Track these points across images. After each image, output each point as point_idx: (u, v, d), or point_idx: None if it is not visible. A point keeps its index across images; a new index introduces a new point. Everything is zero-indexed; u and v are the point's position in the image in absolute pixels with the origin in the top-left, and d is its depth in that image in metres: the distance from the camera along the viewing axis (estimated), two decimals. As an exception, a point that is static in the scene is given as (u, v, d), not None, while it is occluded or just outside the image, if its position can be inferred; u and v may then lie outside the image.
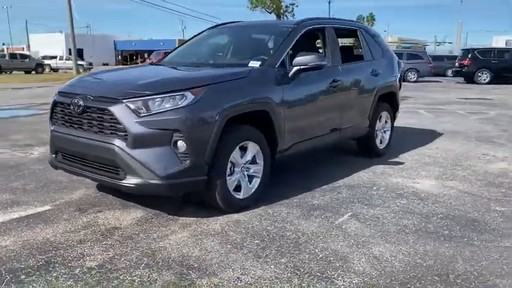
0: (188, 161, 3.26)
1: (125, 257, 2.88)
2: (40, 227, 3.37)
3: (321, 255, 2.91)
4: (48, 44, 63.25)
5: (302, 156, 5.48)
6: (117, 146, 3.26)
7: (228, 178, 3.55)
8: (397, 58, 6.19)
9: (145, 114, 3.22)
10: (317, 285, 2.55)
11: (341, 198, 4.07)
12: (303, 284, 2.55)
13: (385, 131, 5.81)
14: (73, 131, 3.60)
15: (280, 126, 3.93)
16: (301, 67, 4.07)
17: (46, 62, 39.85)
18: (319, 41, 5.28)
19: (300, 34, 4.45)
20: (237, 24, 5.32)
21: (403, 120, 9.20)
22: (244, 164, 3.72)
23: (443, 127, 8.26)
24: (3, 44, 69.40)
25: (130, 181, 3.27)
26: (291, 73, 4.06)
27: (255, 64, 4.04)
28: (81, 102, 3.45)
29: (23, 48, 64.91)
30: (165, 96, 3.26)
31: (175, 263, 2.78)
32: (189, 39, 5.36)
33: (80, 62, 36.50)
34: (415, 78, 23.24)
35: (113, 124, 3.29)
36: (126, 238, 3.17)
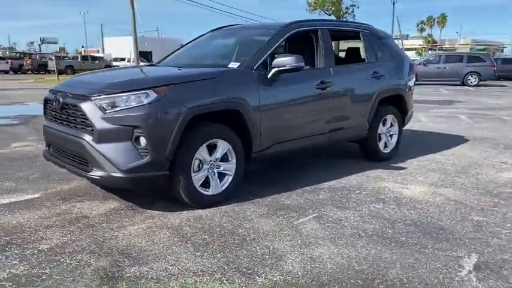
0: (148, 156, 3.43)
1: (77, 242, 3.10)
2: (21, 212, 3.70)
3: (259, 253, 2.96)
4: (120, 47, 66.78)
5: (299, 156, 5.52)
6: (85, 140, 3.50)
7: (193, 174, 3.68)
8: (410, 61, 6.01)
9: (111, 111, 3.43)
10: (236, 280, 2.61)
11: (316, 200, 4.06)
12: (223, 278, 2.62)
13: (391, 135, 5.66)
14: (57, 125, 3.91)
15: (255, 127, 4.00)
16: (280, 68, 4.12)
17: (115, 63, 42.28)
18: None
19: (284, 37, 4.50)
20: (234, 27, 5.45)
21: (434, 125, 8.87)
22: (214, 161, 3.83)
23: (475, 133, 7.83)
24: (82, 47, 74.60)
25: (95, 173, 3.50)
26: (269, 74, 4.12)
27: (234, 65, 4.15)
28: (61, 99, 3.75)
29: (98, 50, 69.19)
30: (130, 94, 3.46)
31: (117, 252, 2.96)
32: (191, 41, 5.56)
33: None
34: (475, 82, 21.99)
35: (83, 120, 3.54)
36: (88, 226, 3.40)
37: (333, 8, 39.00)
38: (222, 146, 3.85)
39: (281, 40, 4.45)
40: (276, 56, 4.19)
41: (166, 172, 3.53)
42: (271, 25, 4.74)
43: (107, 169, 3.44)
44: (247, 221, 3.52)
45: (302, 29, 4.73)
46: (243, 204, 3.92)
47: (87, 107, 3.50)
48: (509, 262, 2.87)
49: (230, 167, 3.95)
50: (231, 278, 2.63)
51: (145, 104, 3.43)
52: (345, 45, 5.84)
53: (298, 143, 4.54)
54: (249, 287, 2.53)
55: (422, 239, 3.23)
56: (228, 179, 3.95)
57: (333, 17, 38.37)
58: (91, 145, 3.47)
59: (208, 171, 3.81)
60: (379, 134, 5.49)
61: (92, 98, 3.50)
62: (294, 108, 4.42)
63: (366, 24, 5.65)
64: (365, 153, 5.56)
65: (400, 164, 5.44)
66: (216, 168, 3.87)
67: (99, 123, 3.43)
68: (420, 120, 9.44)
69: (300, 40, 5.02)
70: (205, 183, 3.82)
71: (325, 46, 4.81)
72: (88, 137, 3.50)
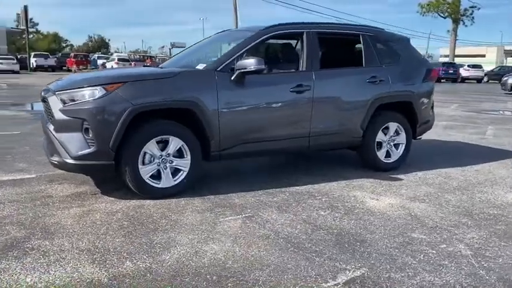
0: (94, 146, 3.80)
1: (19, 216, 3.57)
2: (7, 188, 4.32)
3: (154, 242, 3.13)
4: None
5: (298, 157, 5.50)
6: (49, 129, 4.00)
7: (141, 166, 3.96)
8: (428, 66, 5.60)
9: (68, 104, 3.87)
10: (108, 262, 2.82)
11: (266, 201, 4.07)
12: (97, 258, 2.85)
13: (395, 145, 5.34)
14: (44, 117, 4.49)
15: (212, 126, 4.15)
16: (242, 70, 4.21)
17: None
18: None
19: (258, 40, 4.56)
20: (230, 30, 5.62)
21: (495, 139, 8.00)
22: (166, 156, 4.07)
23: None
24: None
25: (54, 159, 3.98)
26: (233, 76, 4.24)
27: (200, 67, 4.35)
28: (42, 94, 4.31)
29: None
30: (84, 90, 3.87)
31: (40, 227, 3.35)
32: (194, 44, 5.85)
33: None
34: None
35: (50, 112, 4.04)
36: (42, 204, 3.87)
37: (449, 10, 36.35)
38: (174, 143, 4.07)
39: (253, 43, 4.52)
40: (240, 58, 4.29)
41: (111, 162, 3.86)
42: (252, 28, 4.82)
43: (62, 155, 3.89)
44: (177, 214, 3.70)
45: (283, 31, 4.74)
46: (193, 199, 4.09)
47: (52, 100, 3.99)
48: (394, 280, 2.66)
49: (185, 163, 4.15)
50: (105, 260, 2.84)
51: (93, 99, 3.80)
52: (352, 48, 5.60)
53: (269, 145, 4.57)
54: (113, 268, 2.73)
55: (329, 248, 3.11)
56: (182, 175, 4.16)
57: (448, 20, 35.82)
58: (52, 133, 3.95)
59: (159, 165, 4.06)
60: (379, 142, 5.22)
61: (56, 93, 3.98)
62: (261, 110, 4.46)
63: (371, 27, 5.41)
64: (363, 161, 5.33)
65: (401, 175, 5.11)
66: (169, 163, 4.10)
67: (58, 115, 3.89)
68: (484, 133, 8.59)
69: (283, 43, 5.02)
70: (158, 176, 4.08)
71: (308, 49, 4.75)
72: (51, 127, 3.99)
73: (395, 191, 4.54)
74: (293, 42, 5.39)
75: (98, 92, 3.82)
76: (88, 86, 3.89)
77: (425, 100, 5.50)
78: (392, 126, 5.27)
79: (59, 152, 3.91)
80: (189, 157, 4.15)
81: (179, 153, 4.14)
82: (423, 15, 37.31)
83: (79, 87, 3.92)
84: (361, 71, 5.10)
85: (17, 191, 4.24)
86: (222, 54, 4.43)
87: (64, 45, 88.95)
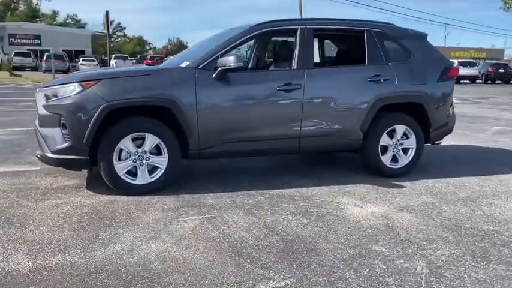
0: (69, 141, 3.91)
1: (-7, 205, 3.78)
2: (6, 178, 4.58)
3: (99, 238, 3.15)
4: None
5: (304, 159, 5.31)
6: (35, 124, 4.19)
7: (116, 162, 4.01)
8: (447, 64, 5.12)
9: (50, 100, 4.02)
10: (39, 255, 2.88)
11: (239, 204, 3.94)
12: (34, 251, 2.92)
13: (404, 149, 4.94)
14: None
15: (189, 124, 4.11)
16: (223, 68, 4.13)
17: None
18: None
19: (245, 37, 4.44)
20: (234, 27, 5.48)
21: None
22: (142, 153, 4.09)
23: None
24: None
25: (38, 152, 4.16)
26: (215, 74, 4.16)
27: (183, 64, 4.32)
28: (37, 89, 4.52)
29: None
30: (63, 87, 4.00)
31: (5, 216, 3.51)
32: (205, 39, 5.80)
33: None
34: None
35: (36, 107, 4.23)
36: (24, 195, 4.05)
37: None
38: (151, 140, 4.07)
39: (240, 41, 4.40)
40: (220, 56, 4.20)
41: (86, 157, 3.95)
42: (245, 26, 4.69)
43: (44, 149, 4.05)
44: (141, 211, 3.70)
45: (274, 28, 4.58)
46: (167, 197, 4.07)
47: (38, 96, 4.17)
48: (314, 296, 2.44)
49: (162, 161, 4.14)
50: (39, 252, 2.90)
51: (70, 96, 3.92)
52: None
53: (254, 146, 4.43)
54: (41, 261, 2.77)
55: (270, 255, 2.93)
56: (160, 172, 4.16)
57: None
58: (37, 128, 4.13)
59: (135, 162, 4.08)
60: (384, 146, 4.86)
61: (43, 89, 4.15)
62: (245, 109, 4.33)
63: (379, 22, 5.02)
64: (365, 166, 5.00)
65: (406, 183, 4.72)
66: (146, 160, 4.12)
67: (41, 110, 4.06)
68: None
69: (275, 41, 4.84)
70: (135, 173, 4.11)
71: (301, 47, 4.54)
72: (37, 121, 4.17)
73: (388, 199, 4.20)
74: (285, 39, 5.18)
75: (75, 88, 3.93)
76: (68, 83, 4.01)
77: (441, 101, 5.03)
78: (400, 129, 4.88)
79: (41, 146, 4.08)
80: (166, 155, 4.13)
81: (157, 151, 4.14)
82: (506, 11, 34.45)
83: (60, 84, 4.05)
84: (362, 70, 4.78)
85: (12, 181, 4.48)
86: (205, 53, 4.36)
87: (148, 48, 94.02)
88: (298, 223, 3.52)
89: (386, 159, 4.88)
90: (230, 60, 4.07)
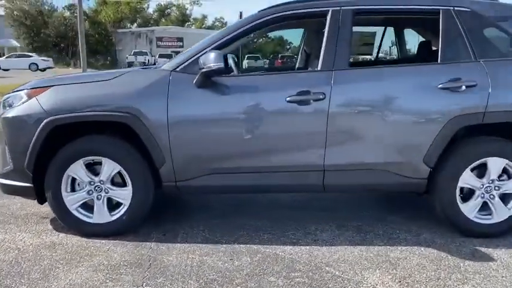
0: (11, 164, 3.12)
1: None
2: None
3: None
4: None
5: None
6: None
7: (65, 194, 3.11)
8: None
9: (5, 109, 3.22)
10: None
11: (205, 269, 2.72)
12: None
13: (502, 195, 3.14)
14: None
15: (159, 146, 3.01)
16: (204, 71, 2.94)
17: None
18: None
19: (245, 28, 3.15)
20: None
21: None
22: (100, 183, 3.11)
23: None
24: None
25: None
26: (196, 78, 3.00)
27: (165, 66, 3.24)
28: None
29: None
30: (14, 95, 3.21)
31: None
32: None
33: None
34: None
35: None
36: (-24, 224, 3.40)
37: None
38: (108, 166, 3.07)
39: (237, 32, 3.12)
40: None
41: (30, 185, 3.10)
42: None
43: (-7, 171, 3.32)
44: (65, 267, 2.71)
45: (290, 12, 3.17)
46: (124, 245, 3.03)
47: None
48: None
49: (125, 194, 3.12)
50: None
51: (14, 107, 3.12)
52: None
53: (255, 179, 3.12)
54: None
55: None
56: (123, 209, 3.14)
57: None
58: None
59: (91, 194, 3.13)
60: (465, 189, 3.14)
61: (3, 98, 3.43)
62: (239, 128, 3.06)
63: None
64: (437, 215, 3.31)
65: (504, 253, 2.94)
66: (105, 192, 3.13)
67: (-7, 124, 3.33)
68: None
69: (291, 31, 3.42)
70: (90, 208, 3.16)
71: (331, 38, 3.08)
72: None
73: (457, 287, 2.54)
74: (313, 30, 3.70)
75: (22, 97, 3.12)
76: (18, 91, 3.22)
77: None
78: (495, 163, 3.08)
79: (-8, 167, 3.35)
80: (130, 186, 3.09)
81: (123, 181, 3.12)
82: None
83: (16, 91, 3.27)
84: (430, 71, 3.12)
85: (-10, 202, 3.91)
86: (188, 50, 3.21)
87: (287, 47, 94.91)
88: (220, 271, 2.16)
89: (470, 209, 3.13)
90: (209, 60, 2.86)
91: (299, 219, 3.49)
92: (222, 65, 2.83)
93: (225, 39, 3.11)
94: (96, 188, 3.11)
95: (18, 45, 50.84)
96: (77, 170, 3.07)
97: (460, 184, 3.10)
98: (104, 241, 3.07)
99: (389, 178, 3.10)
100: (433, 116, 3.02)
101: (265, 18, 3.14)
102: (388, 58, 3.86)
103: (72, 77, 3.41)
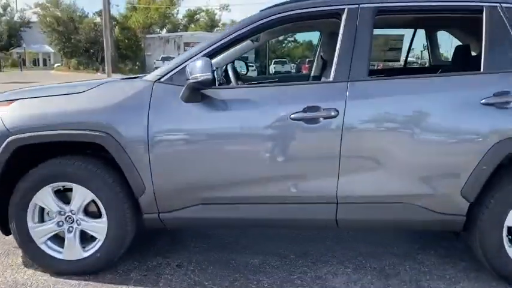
0: (-28, 190, 2.69)
1: None
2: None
3: None
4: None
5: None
6: None
7: (31, 225, 2.66)
8: None
9: None
10: None
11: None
12: None
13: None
14: None
15: (137, 171, 2.53)
16: (191, 82, 2.44)
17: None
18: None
19: (245, 30, 2.61)
20: None
21: None
22: (71, 213, 2.65)
23: None
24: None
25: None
26: (182, 91, 2.50)
27: (149, 76, 2.75)
28: None
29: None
30: None
31: None
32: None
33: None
34: None
35: None
36: None
37: None
38: (80, 194, 2.61)
39: (232, 36, 2.60)
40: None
41: (-7, 214, 2.68)
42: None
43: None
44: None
45: (292, 13, 2.61)
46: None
47: None
48: None
49: (99, 227, 2.65)
50: None
51: (-22, 123, 2.69)
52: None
53: (253, 211, 2.60)
54: None
55: None
56: (97, 244, 2.67)
57: None
58: None
59: (61, 226, 2.67)
60: (513, 229, 2.53)
61: None
62: (234, 151, 2.55)
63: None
64: (483, 261, 2.69)
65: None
66: (77, 224, 2.67)
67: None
68: None
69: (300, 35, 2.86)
70: (61, 243, 2.71)
71: (347, 42, 2.52)
72: None
73: None
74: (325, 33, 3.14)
75: None
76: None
77: None
78: (551, 198, 2.45)
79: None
80: (105, 218, 2.62)
81: (99, 211, 2.66)
82: None
83: None
84: (471, 82, 2.52)
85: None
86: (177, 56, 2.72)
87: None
88: None
89: (520, 252, 2.51)
90: (196, 69, 2.36)
91: (310, 255, 2.95)
92: (210, 75, 2.32)
93: (216, 45, 2.59)
94: (67, 218, 2.66)
95: (52, 51, 52.03)
96: (45, 197, 2.63)
97: (508, 223, 2.49)
98: (74, 282, 2.60)
99: (417, 214, 2.51)
100: (474, 139, 2.43)
101: (263, 21, 2.60)
102: (418, 65, 3.25)
103: (41, 89, 2.96)
